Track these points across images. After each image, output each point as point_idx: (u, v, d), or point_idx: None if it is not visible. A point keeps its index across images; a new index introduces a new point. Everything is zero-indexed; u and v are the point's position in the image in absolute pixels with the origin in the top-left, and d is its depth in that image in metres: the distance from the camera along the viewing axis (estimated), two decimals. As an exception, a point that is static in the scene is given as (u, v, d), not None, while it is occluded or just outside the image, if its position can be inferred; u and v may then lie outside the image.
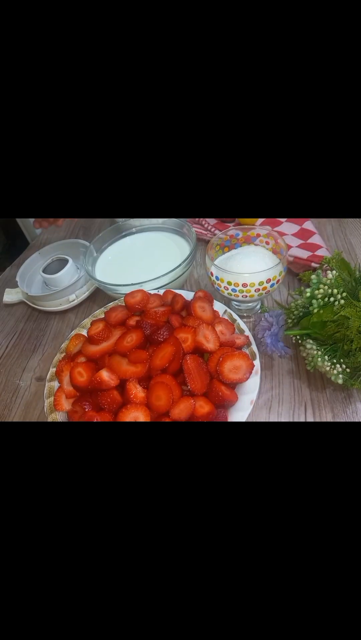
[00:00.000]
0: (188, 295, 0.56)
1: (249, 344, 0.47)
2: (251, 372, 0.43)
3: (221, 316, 0.52)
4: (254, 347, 0.47)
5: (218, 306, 0.54)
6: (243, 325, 0.50)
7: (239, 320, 0.51)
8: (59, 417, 0.43)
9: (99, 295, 0.67)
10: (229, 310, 0.53)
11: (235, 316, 0.52)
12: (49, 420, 0.43)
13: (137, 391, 0.41)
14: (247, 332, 0.49)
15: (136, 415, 0.39)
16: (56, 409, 0.44)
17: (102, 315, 0.55)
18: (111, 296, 0.61)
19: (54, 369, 0.49)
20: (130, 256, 0.66)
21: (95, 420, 0.39)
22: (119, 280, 0.58)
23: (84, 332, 0.53)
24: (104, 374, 0.41)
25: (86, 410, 0.41)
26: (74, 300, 0.63)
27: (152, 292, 0.57)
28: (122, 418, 0.39)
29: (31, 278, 0.68)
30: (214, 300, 0.54)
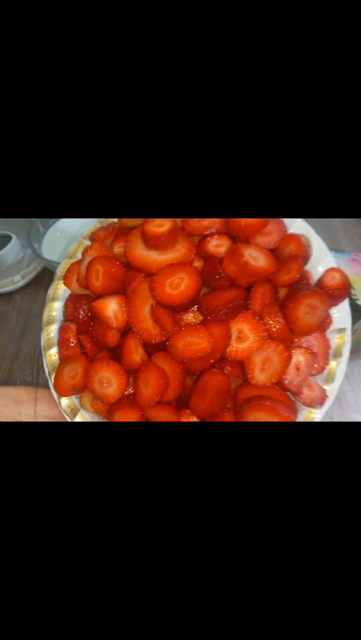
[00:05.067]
0: (322, 257, 0.33)
1: (318, 406, 0.30)
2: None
3: (328, 332, 0.32)
4: (320, 413, 0.30)
5: (343, 312, 0.32)
6: (340, 372, 0.31)
7: (344, 361, 0.31)
8: (57, 305, 0.34)
9: (47, 275, 0.59)
10: (348, 332, 0.32)
11: (346, 349, 0.31)
12: (51, 290, 0.35)
13: (134, 354, 0.29)
14: (336, 384, 0.31)
15: (108, 377, 0.29)
16: (64, 282, 0.35)
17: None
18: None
19: (98, 226, 0.36)
20: (81, 232, 0.57)
21: (69, 345, 0.30)
22: (69, 259, 0.51)
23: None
24: (109, 309, 0.29)
25: (79, 315, 0.31)
26: (19, 281, 0.57)
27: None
28: (91, 370, 0.29)
29: (-30, 257, 0.58)
30: (346, 302, 0.32)
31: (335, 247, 0.61)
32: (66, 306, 0.34)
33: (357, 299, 0.40)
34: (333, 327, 0.32)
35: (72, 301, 0.33)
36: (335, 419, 0.44)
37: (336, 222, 0.65)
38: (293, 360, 0.29)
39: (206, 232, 0.32)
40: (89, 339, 0.31)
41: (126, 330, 0.31)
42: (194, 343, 0.28)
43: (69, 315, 0.34)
